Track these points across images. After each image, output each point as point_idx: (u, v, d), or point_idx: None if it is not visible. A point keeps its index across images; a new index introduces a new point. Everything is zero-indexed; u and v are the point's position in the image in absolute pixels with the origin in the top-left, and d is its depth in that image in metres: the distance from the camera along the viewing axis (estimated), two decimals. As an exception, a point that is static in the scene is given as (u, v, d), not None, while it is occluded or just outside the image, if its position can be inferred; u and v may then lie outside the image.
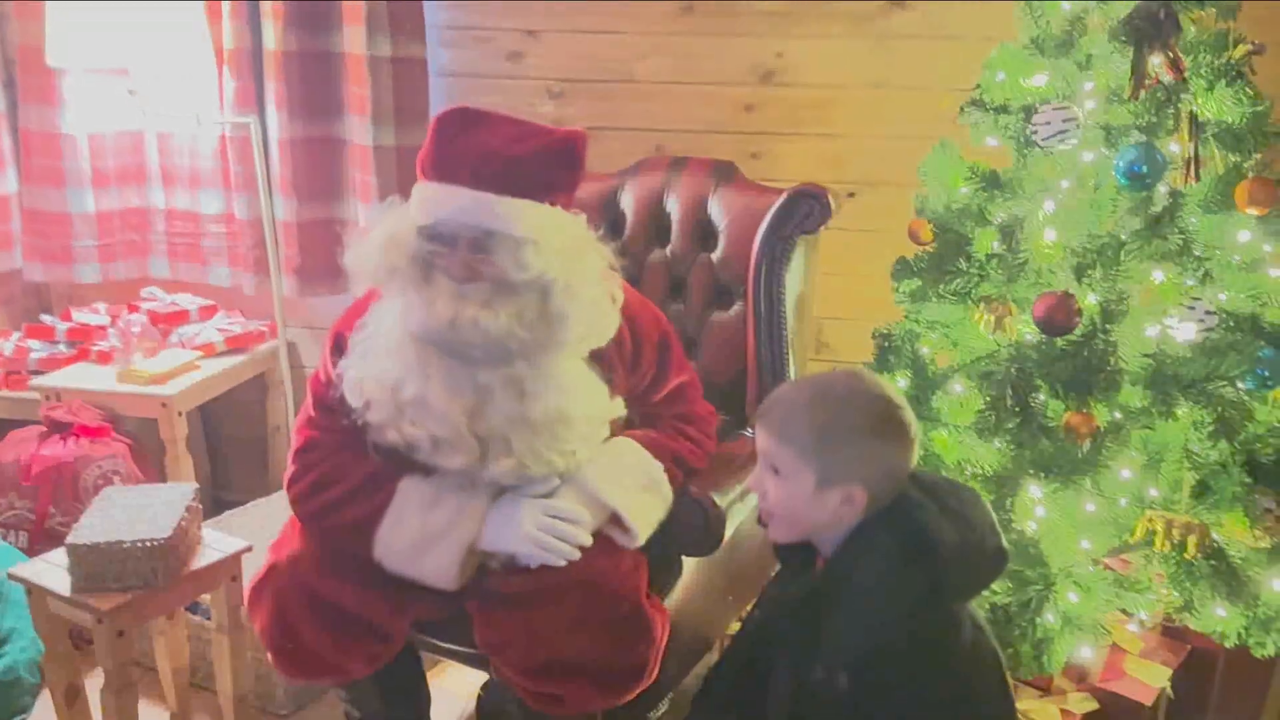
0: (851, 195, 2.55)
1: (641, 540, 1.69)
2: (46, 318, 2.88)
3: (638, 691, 1.65)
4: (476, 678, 2.12)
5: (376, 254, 1.58)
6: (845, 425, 1.38)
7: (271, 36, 2.61)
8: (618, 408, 1.70)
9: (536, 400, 1.59)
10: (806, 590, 1.44)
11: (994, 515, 1.43)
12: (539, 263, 1.55)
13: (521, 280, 1.55)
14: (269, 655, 1.70)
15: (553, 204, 1.59)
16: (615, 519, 1.68)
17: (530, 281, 1.56)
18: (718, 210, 2.17)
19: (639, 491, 1.70)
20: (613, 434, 1.73)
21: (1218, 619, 1.77)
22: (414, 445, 1.60)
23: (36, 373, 2.70)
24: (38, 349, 2.76)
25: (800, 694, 1.41)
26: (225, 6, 2.63)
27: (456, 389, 1.57)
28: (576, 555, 1.59)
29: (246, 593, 1.73)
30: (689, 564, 1.83)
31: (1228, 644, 1.77)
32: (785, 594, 1.52)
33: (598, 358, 1.67)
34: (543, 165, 1.56)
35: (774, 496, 1.44)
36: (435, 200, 1.55)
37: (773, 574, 1.61)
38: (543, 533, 1.58)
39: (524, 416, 1.58)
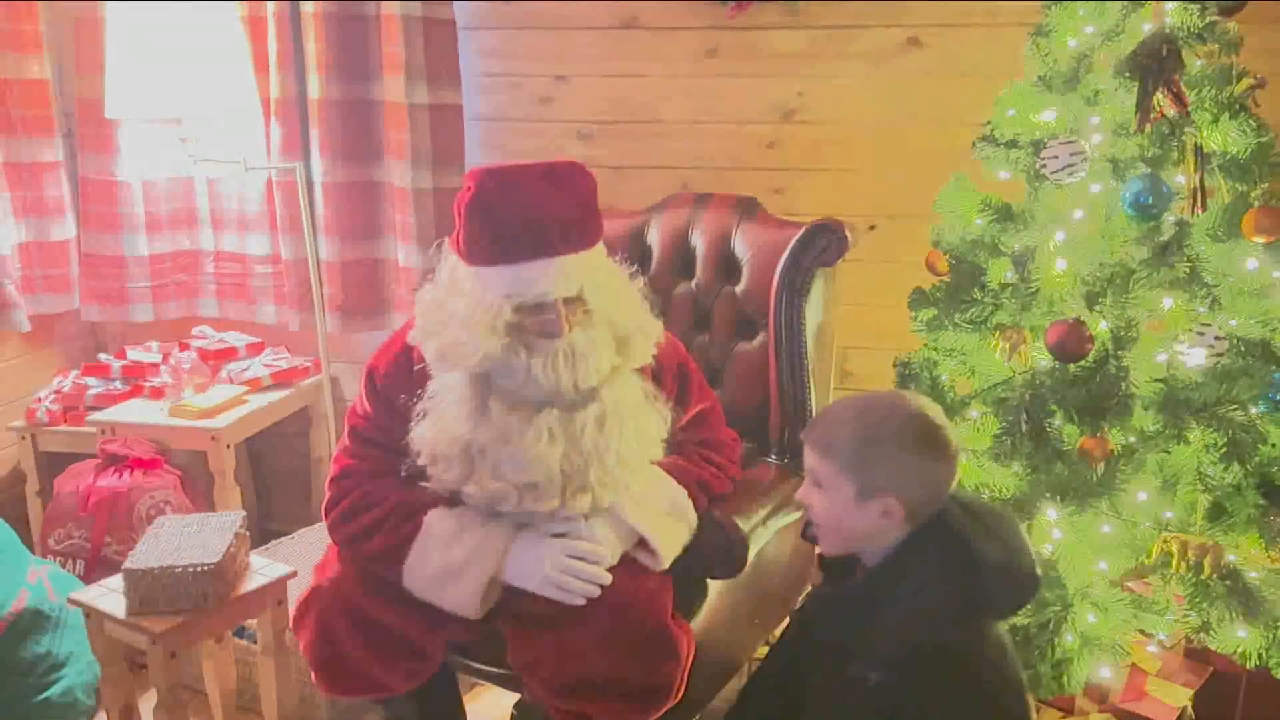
0: (872, 228, 2.61)
1: (667, 564, 1.75)
2: (103, 356, 3.01)
3: (665, 710, 1.70)
4: (509, 700, 2.18)
5: (472, 341, 1.63)
6: (884, 439, 1.45)
7: (316, 86, 2.73)
8: (668, 424, 1.78)
9: (616, 424, 1.68)
10: (848, 595, 1.51)
11: (1028, 540, 1.49)
12: (610, 295, 1.67)
13: (604, 317, 1.66)
14: (312, 672, 1.77)
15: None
16: (642, 542, 1.74)
17: (607, 316, 1.67)
18: (741, 244, 2.24)
19: (664, 516, 1.77)
20: None
21: (1238, 640, 1.78)
22: (499, 497, 1.66)
23: (93, 409, 2.81)
24: (94, 386, 2.88)
25: (837, 695, 1.47)
26: (272, 58, 2.75)
27: (554, 436, 1.64)
28: (596, 593, 1.65)
29: (292, 612, 1.81)
30: (714, 587, 1.88)
31: (1248, 665, 1.79)
32: (826, 598, 1.58)
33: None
34: (587, 212, 1.67)
35: (818, 508, 1.52)
36: (523, 277, 1.61)
37: (810, 588, 1.67)
38: (562, 574, 1.65)
39: (605, 444, 1.67)
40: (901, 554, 1.47)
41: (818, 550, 1.61)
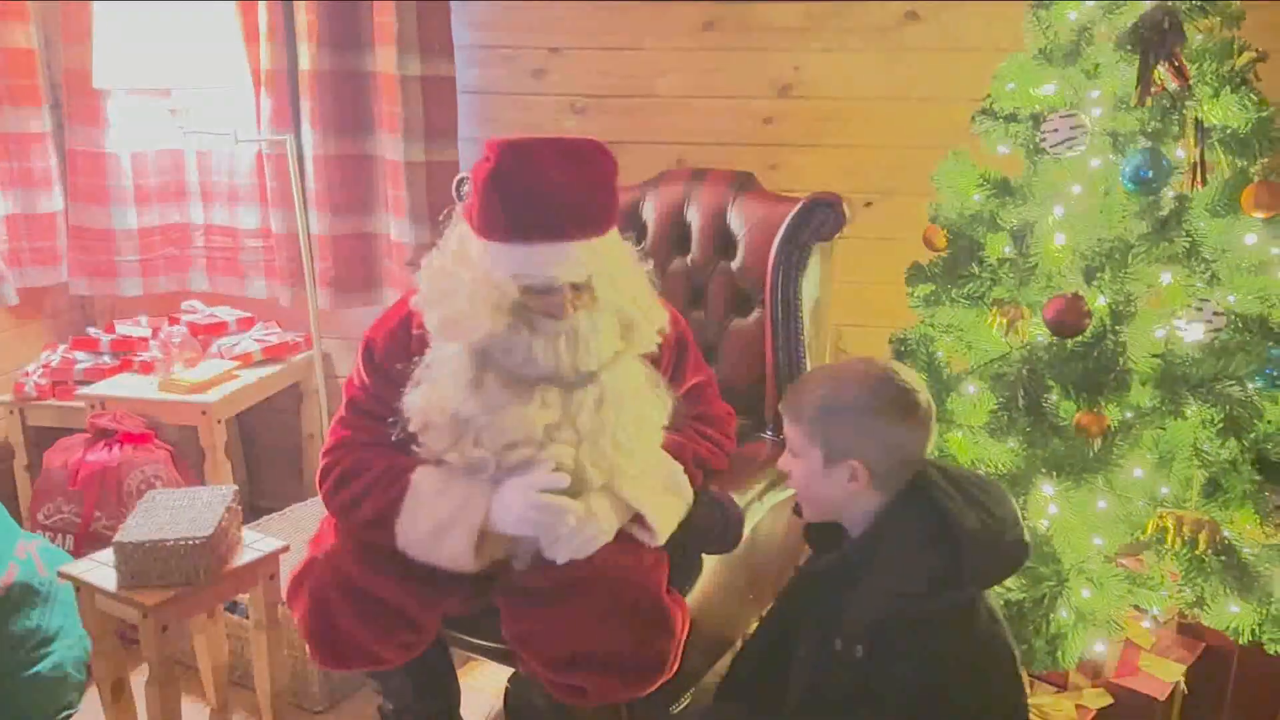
0: (869, 204, 2.59)
1: (662, 539, 1.75)
2: (92, 330, 2.98)
3: (659, 683, 1.70)
4: (504, 675, 2.17)
5: (477, 318, 1.62)
6: (847, 403, 1.46)
7: (306, 57, 2.70)
8: (667, 406, 1.77)
9: (615, 407, 1.67)
10: (832, 566, 1.51)
11: (1018, 510, 1.49)
12: (620, 283, 1.66)
13: (610, 303, 1.65)
14: (306, 644, 1.77)
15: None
16: (638, 518, 1.74)
17: (614, 302, 1.66)
18: (737, 220, 2.23)
19: (660, 492, 1.76)
20: None
21: (1231, 615, 1.79)
22: (478, 465, 1.66)
23: (82, 383, 2.79)
24: (83, 360, 2.85)
25: (819, 666, 1.47)
26: (262, 28, 2.72)
27: (548, 407, 1.64)
28: (572, 523, 1.63)
29: (286, 584, 1.80)
30: (709, 562, 1.87)
31: (1241, 640, 1.79)
32: (811, 569, 1.58)
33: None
34: (604, 195, 1.65)
35: (795, 475, 1.53)
36: (532, 258, 1.60)
37: (800, 562, 1.67)
38: (531, 510, 1.63)
39: (602, 428, 1.66)
40: (880, 524, 1.47)
41: (803, 522, 1.61)
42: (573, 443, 1.65)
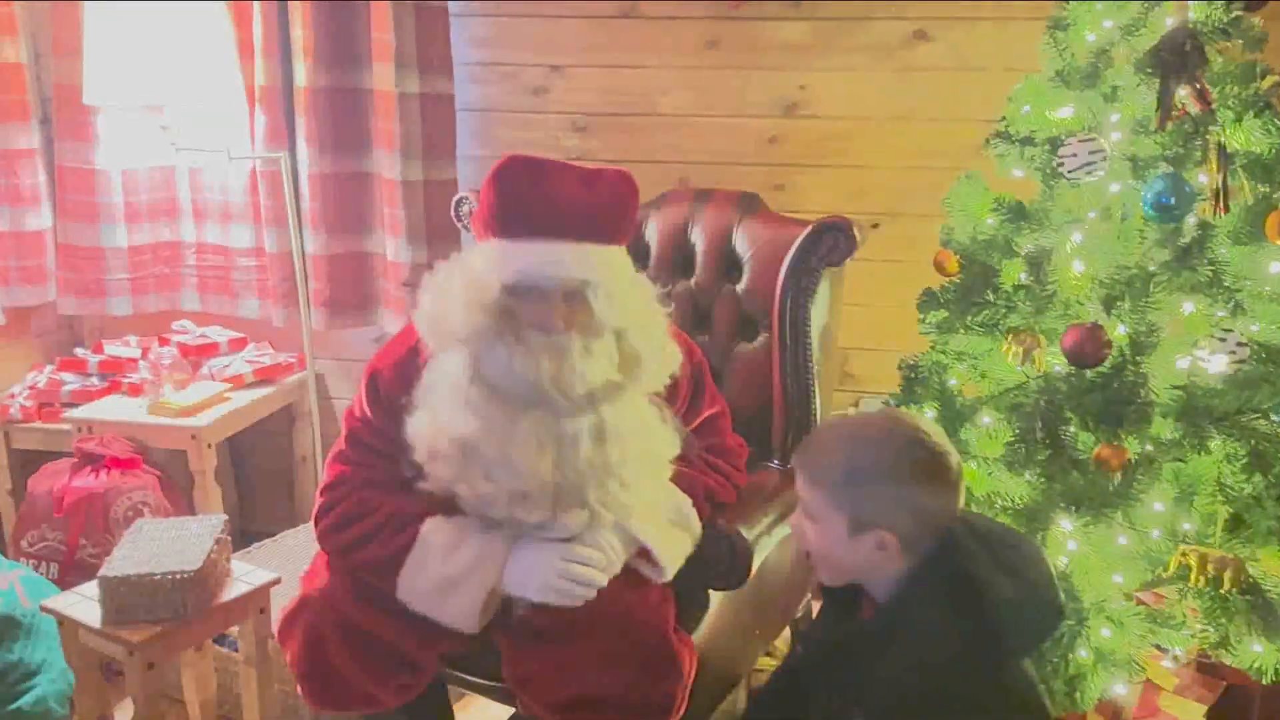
0: (876, 226, 2.55)
1: (670, 576, 1.69)
2: (79, 351, 2.92)
3: (665, 727, 1.64)
4: (502, 712, 2.11)
5: (457, 315, 1.56)
6: (876, 469, 1.36)
7: (302, 74, 2.66)
8: (679, 444, 1.69)
9: (616, 443, 1.58)
10: (853, 635, 1.42)
11: (1052, 569, 1.40)
12: (623, 304, 1.58)
13: (608, 325, 1.57)
14: (300, 685, 1.70)
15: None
16: (644, 553, 1.68)
17: (613, 325, 1.58)
18: (742, 242, 2.18)
19: (668, 526, 1.70)
20: None
21: (1254, 655, 1.73)
22: (488, 501, 1.58)
23: (69, 405, 2.73)
24: (70, 382, 2.80)
25: None
26: (257, 44, 2.67)
27: (542, 443, 1.55)
28: (593, 595, 1.59)
29: (278, 623, 1.73)
30: (716, 598, 1.82)
31: (1265, 680, 1.74)
32: (831, 636, 1.50)
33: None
34: (617, 211, 1.59)
35: (811, 539, 1.42)
36: (524, 255, 1.54)
37: (814, 613, 1.59)
38: (562, 580, 1.57)
39: (605, 462, 1.58)
40: (905, 591, 1.36)
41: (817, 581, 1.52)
42: (578, 487, 1.57)
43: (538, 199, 1.52)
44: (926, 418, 1.46)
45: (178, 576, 1.83)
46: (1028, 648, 1.40)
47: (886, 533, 1.35)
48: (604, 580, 1.60)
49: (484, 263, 1.56)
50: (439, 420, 1.59)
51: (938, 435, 1.39)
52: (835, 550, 1.39)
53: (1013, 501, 1.85)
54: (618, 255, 1.60)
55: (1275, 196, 1.73)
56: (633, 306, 1.60)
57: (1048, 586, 1.37)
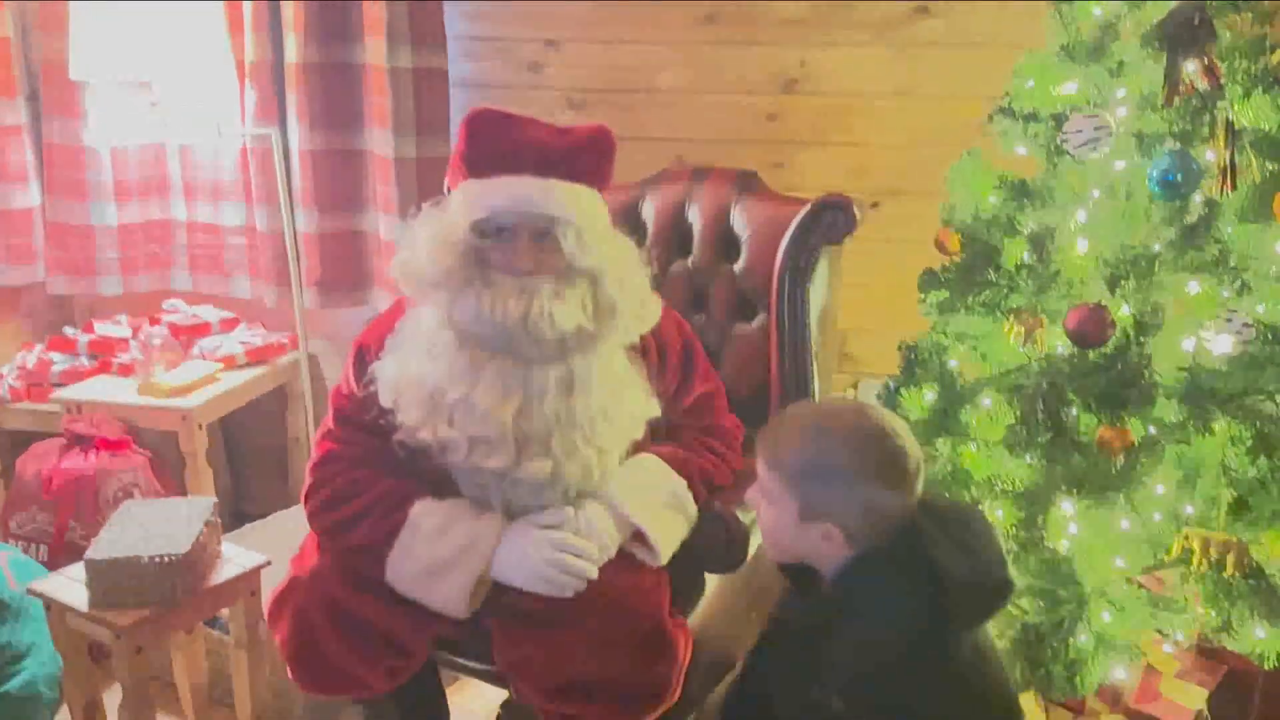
0: (875, 205, 2.51)
1: (664, 559, 1.67)
2: (69, 330, 2.89)
3: (660, 712, 1.62)
4: (495, 695, 2.10)
5: (426, 258, 1.55)
6: (834, 466, 1.36)
7: (293, 49, 2.61)
8: (655, 407, 1.68)
9: (584, 395, 1.56)
10: (809, 615, 1.42)
11: (1002, 545, 1.41)
12: (596, 248, 1.55)
13: (582, 268, 1.54)
14: (289, 668, 1.68)
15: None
16: (639, 536, 1.65)
17: (586, 269, 1.55)
18: (740, 221, 2.14)
19: (663, 509, 1.68)
20: (641, 444, 1.71)
21: (1256, 639, 1.71)
22: (449, 446, 1.57)
23: (58, 385, 2.70)
24: (60, 361, 2.76)
25: (799, 715, 1.39)
26: (247, 19, 2.63)
27: (507, 389, 1.54)
28: (583, 587, 1.57)
29: (268, 605, 1.72)
30: (711, 581, 1.80)
31: (1267, 665, 1.72)
32: (787, 617, 1.50)
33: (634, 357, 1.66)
34: (591, 154, 1.57)
35: (763, 517, 1.44)
36: (490, 193, 1.53)
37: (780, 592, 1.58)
38: (552, 569, 1.55)
39: (570, 413, 1.56)
40: (860, 569, 1.37)
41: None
42: (543, 437, 1.55)
43: (506, 138, 1.51)
44: (893, 414, 1.45)
45: (165, 559, 1.80)
46: (976, 621, 1.41)
47: (834, 526, 1.36)
48: (594, 573, 1.58)
49: (454, 205, 1.56)
50: (407, 367, 1.57)
51: (901, 431, 1.40)
52: (784, 533, 1.41)
53: (1013, 484, 1.83)
54: (589, 195, 1.57)
55: (1284, 174, 1.70)
56: (607, 251, 1.58)
57: (1000, 563, 1.38)
